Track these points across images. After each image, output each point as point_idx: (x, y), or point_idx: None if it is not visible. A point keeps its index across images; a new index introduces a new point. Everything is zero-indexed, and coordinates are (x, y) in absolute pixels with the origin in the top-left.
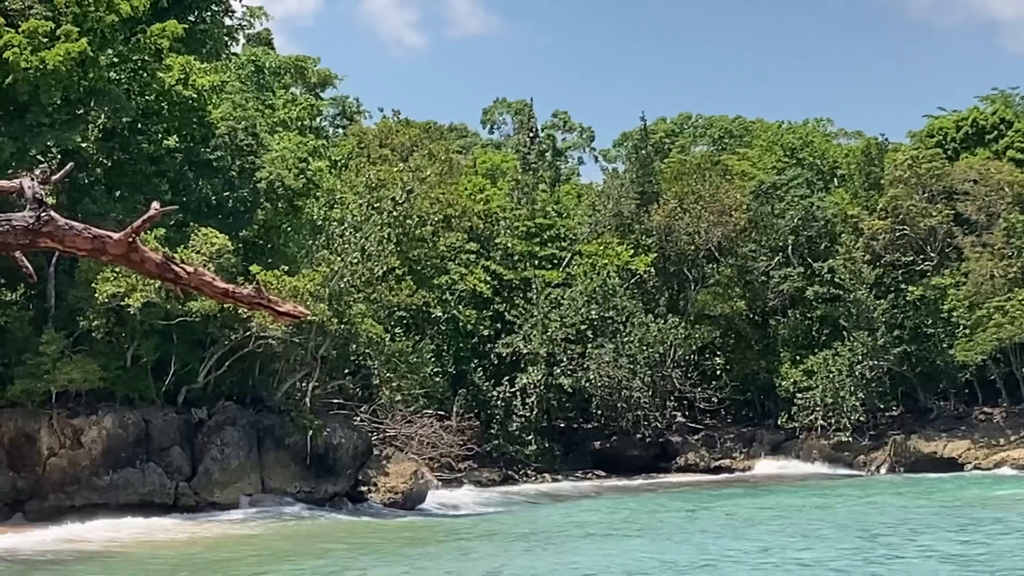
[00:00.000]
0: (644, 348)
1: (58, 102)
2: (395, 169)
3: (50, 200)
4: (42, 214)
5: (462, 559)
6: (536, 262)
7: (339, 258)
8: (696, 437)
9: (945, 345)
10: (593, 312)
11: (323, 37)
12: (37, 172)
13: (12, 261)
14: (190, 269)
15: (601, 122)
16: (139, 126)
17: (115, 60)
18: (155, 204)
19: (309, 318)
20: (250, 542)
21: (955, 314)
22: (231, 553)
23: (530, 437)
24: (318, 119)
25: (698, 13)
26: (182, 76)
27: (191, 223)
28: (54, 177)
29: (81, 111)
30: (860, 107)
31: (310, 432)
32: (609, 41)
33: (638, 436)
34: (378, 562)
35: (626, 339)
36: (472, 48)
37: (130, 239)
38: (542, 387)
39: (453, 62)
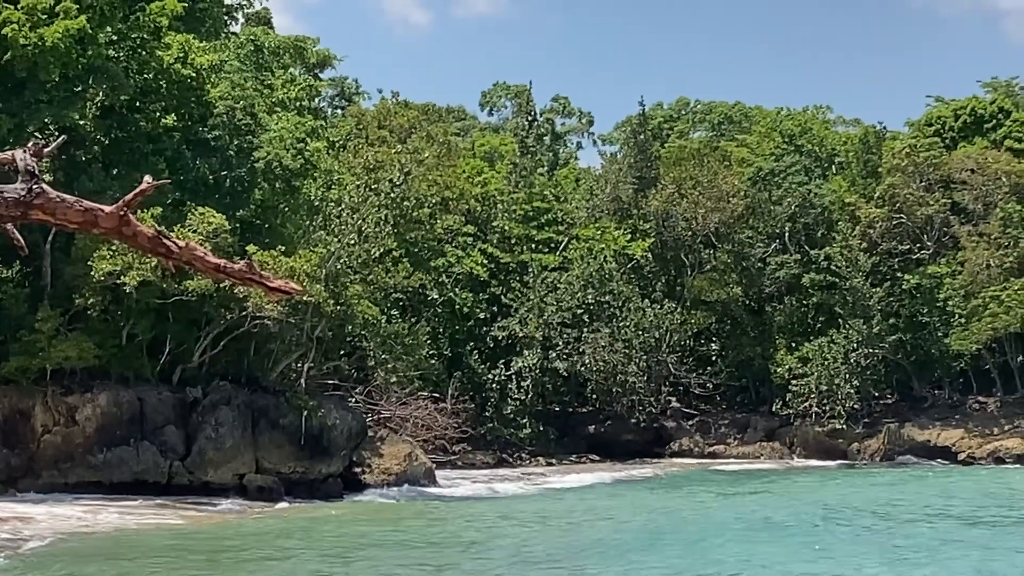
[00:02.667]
0: (640, 333)
1: (56, 79)
2: (393, 151)
3: (47, 177)
4: (33, 186)
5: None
6: (533, 246)
7: (336, 239)
8: (691, 423)
9: (940, 334)
10: (589, 296)
11: (328, 15)
12: (30, 145)
13: (4, 234)
14: (181, 244)
15: (601, 107)
16: (137, 104)
17: (114, 38)
18: (147, 177)
19: (305, 298)
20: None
21: (951, 303)
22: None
23: (525, 420)
24: (316, 100)
25: None
26: (181, 55)
27: (188, 202)
28: (47, 149)
29: (79, 88)
30: (860, 95)
31: (305, 413)
32: (609, 26)
33: (633, 421)
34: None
35: (622, 324)
36: (476, 29)
37: (122, 212)
38: (537, 371)
39: (457, 43)
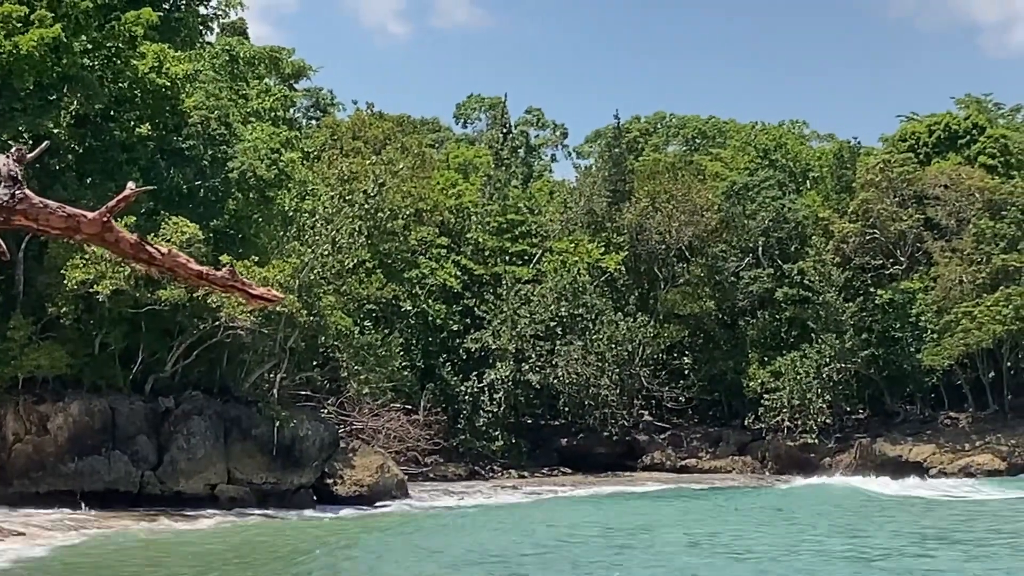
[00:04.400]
0: (613, 346)
1: (31, 87)
2: (367, 162)
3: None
4: (16, 192)
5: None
6: (507, 258)
7: (310, 250)
8: (663, 436)
9: (913, 349)
10: (563, 309)
11: (306, 23)
12: (13, 151)
13: None
14: (164, 250)
15: (575, 120)
16: (112, 113)
17: (89, 46)
18: (130, 184)
19: (279, 309)
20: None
21: (923, 319)
22: None
23: (497, 433)
24: (291, 110)
25: (675, 12)
26: (156, 64)
27: (162, 212)
28: (29, 156)
29: (54, 97)
30: (835, 110)
31: (277, 423)
32: (585, 38)
33: (605, 434)
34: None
35: (595, 337)
36: (453, 40)
37: (105, 218)
38: (510, 383)
39: (434, 54)
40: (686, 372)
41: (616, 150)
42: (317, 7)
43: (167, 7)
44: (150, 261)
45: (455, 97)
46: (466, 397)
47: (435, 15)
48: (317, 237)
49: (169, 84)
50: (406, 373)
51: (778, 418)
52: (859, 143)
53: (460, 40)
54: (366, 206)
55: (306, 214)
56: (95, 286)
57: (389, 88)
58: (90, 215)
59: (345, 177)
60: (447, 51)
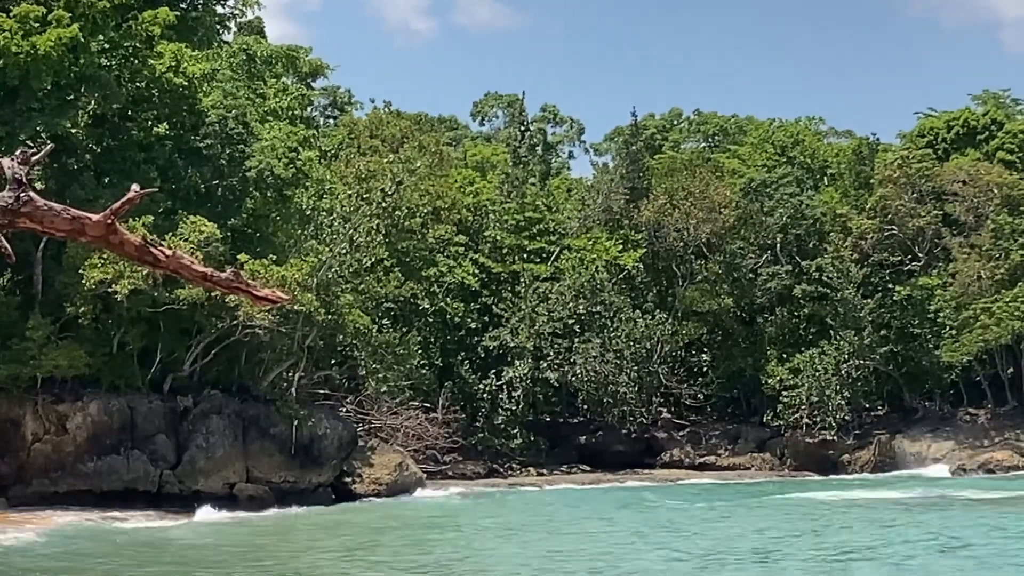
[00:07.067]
0: (631, 344)
1: (48, 87)
2: (385, 160)
3: (38, 185)
4: (21, 194)
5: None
6: (525, 256)
7: (327, 248)
8: (681, 433)
9: (931, 345)
10: (581, 307)
11: (329, 21)
12: (18, 153)
13: None
14: (168, 252)
15: (593, 117)
16: (129, 113)
17: (106, 46)
18: (135, 186)
19: (296, 308)
20: None
21: (942, 315)
22: None
23: (515, 431)
24: (308, 109)
25: (694, 7)
26: (173, 63)
27: (180, 211)
28: (35, 157)
29: (71, 97)
30: (854, 107)
31: (295, 422)
32: (602, 34)
33: (623, 431)
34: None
35: (613, 334)
36: (475, 38)
37: (109, 221)
38: (528, 381)
39: (456, 51)
40: (704, 369)
41: (633, 147)
42: (340, 4)
43: (184, 6)
44: (154, 263)
45: (472, 95)
46: (484, 395)
47: (459, 13)
48: (335, 236)
49: (186, 83)
50: (424, 371)
51: (797, 415)
52: (877, 139)
53: (480, 38)
54: (384, 204)
55: (324, 213)
56: (113, 286)
57: (409, 86)
58: (95, 217)
59: (363, 175)
60: (466, 49)
